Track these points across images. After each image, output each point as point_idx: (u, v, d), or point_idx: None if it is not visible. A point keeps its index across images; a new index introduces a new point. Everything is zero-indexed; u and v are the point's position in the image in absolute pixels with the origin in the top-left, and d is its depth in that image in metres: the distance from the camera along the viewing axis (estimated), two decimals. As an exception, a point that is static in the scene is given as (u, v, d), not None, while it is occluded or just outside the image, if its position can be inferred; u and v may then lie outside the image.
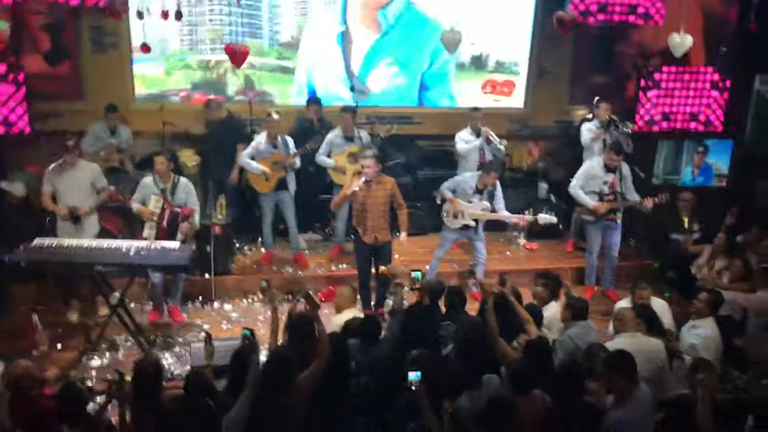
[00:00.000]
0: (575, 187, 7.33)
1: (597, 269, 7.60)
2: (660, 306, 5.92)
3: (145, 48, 3.63)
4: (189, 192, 6.64)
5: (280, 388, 4.00)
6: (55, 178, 6.47)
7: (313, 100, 8.16)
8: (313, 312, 4.63)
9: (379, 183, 6.55)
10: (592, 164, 7.36)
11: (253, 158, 7.28)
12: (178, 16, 3.24)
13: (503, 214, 7.15)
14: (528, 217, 7.29)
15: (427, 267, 7.18)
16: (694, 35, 8.16)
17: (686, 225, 7.72)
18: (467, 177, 7.22)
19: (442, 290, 5.61)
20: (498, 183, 7.13)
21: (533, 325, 5.06)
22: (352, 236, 6.97)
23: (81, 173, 6.54)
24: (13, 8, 7.32)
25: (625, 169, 7.28)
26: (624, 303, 6.00)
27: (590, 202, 7.23)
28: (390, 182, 6.66)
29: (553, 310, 5.66)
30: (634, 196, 7.25)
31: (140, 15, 3.25)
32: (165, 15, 3.21)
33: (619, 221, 7.34)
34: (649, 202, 7.15)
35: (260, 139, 7.35)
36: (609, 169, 7.18)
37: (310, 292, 5.09)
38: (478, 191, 7.04)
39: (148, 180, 6.57)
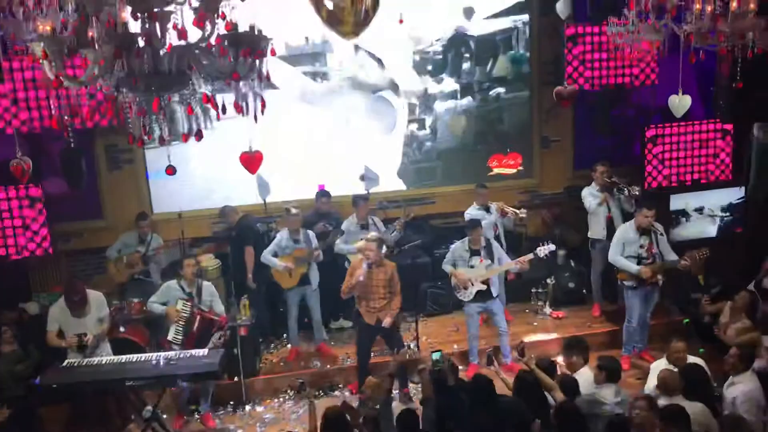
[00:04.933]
0: (615, 254, 7.10)
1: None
2: None
3: (170, 170, 3.66)
4: (213, 294, 6.73)
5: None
6: (60, 316, 6.32)
7: (323, 193, 8.21)
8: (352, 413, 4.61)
9: (381, 266, 6.65)
10: (625, 229, 7.19)
11: (275, 255, 7.35)
12: (199, 136, 3.34)
13: (504, 264, 7.17)
14: (528, 256, 7.22)
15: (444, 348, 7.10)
16: (690, 93, 8.28)
17: (701, 282, 7.56)
18: (458, 244, 7.28)
19: (457, 369, 5.74)
20: (492, 239, 7.24)
21: (559, 391, 5.12)
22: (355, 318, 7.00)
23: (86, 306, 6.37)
24: (31, 137, 7.64)
25: (660, 229, 7.12)
26: (660, 363, 5.91)
27: (634, 267, 6.99)
28: (391, 267, 6.76)
29: (585, 375, 5.60)
30: (672, 256, 7.08)
31: (162, 141, 3.35)
32: (185, 137, 3.32)
33: (660, 284, 7.15)
34: (687, 261, 7.06)
35: (282, 236, 7.44)
36: (642, 231, 7.02)
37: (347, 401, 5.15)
38: (474, 253, 7.08)
39: (173, 283, 6.65)
